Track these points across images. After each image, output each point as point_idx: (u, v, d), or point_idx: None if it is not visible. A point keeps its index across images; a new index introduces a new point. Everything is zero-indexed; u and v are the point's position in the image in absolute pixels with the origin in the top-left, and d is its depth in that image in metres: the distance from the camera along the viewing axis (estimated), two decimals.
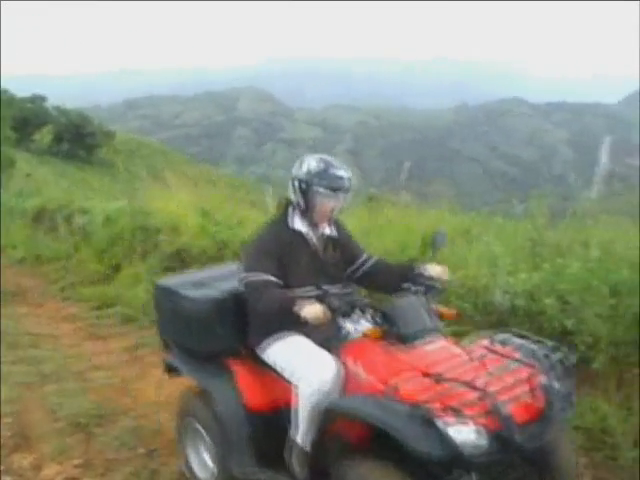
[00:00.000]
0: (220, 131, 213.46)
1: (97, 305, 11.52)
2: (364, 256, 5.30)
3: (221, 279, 5.56)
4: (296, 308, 4.35)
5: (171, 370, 5.73)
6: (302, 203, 4.89)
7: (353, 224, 9.48)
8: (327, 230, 5.13)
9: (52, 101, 73.46)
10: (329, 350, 4.56)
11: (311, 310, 4.31)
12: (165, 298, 5.58)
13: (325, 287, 4.89)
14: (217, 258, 10.29)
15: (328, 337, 4.65)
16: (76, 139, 67.14)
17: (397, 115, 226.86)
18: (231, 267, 5.90)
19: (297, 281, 4.81)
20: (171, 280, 5.81)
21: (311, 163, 4.86)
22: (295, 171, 4.90)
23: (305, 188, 4.83)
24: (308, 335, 4.71)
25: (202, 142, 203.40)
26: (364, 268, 5.24)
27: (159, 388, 7.31)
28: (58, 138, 69.15)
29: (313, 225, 5.01)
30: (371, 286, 5.42)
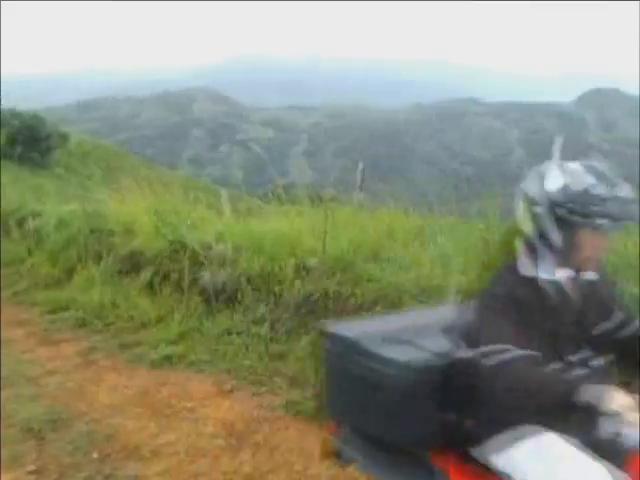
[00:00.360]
0: (176, 132, 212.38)
1: (51, 309, 11.39)
2: (624, 312, 3.45)
3: (421, 332, 3.73)
4: (587, 397, 2.73)
5: (338, 456, 3.94)
6: (556, 239, 3.19)
7: (307, 225, 9.51)
8: (588, 274, 3.30)
9: (3, 103, 72.58)
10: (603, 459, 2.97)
11: (623, 401, 2.71)
12: (346, 357, 3.70)
13: (569, 357, 3.23)
14: (172, 260, 10.24)
15: (595, 439, 3.01)
16: (30, 142, 66.33)
17: (353, 115, 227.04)
18: (425, 313, 4.60)
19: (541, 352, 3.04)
20: (351, 329, 3.87)
21: (571, 176, 3.22)
22: (535, 187, 3.31)
23: (562, 216, 3.14)
24: (565, 434, 3.09)
25: (158, 143, 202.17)
26: (630, 330, 3.38)
27: (113, 392, 7.26)
28: (11, 141, 68.34)
29: (570, 270, 3.26)
30: (630, 359, 3.35)
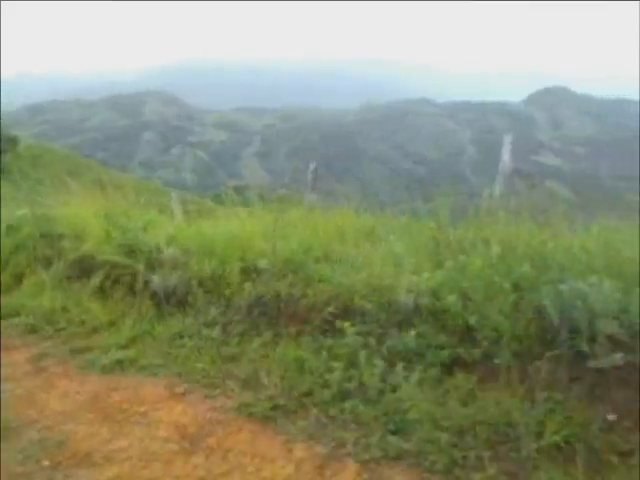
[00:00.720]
0: (127, 135, 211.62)
1: None
2: None
3: None
4: None
5: None
6: None
7: (258, 227, 9.51)
8: None
9: None
10: None
11: None
12: None
13: None
14: (123, 264, 10.17)
15: None
16: None
17: (305, 116, 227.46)
18: None
19: None
20: None
21: None
22: None
23: None
24: None
25: (109, 147, 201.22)
26: None
27: (64, 399, 7.19)
28: None
29: None
30: None
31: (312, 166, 12.02)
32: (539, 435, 5.31)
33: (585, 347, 5.73)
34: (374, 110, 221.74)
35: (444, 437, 5.43)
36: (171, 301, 9.04)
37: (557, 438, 5.24)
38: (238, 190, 15.05)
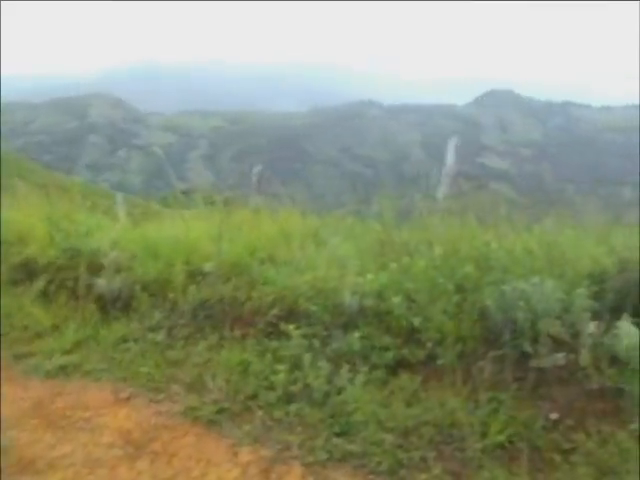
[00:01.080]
0: (73, 138, 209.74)
1: None
2: None
3: None
4: None
5: None
6: None
7: (204, 230, 9.47)
8: None
9: None
10: None
11: None
12: None
13: None
14: (67, 268, 10.08)
15: None
16: None
17: (252, 119, 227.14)
18: None
19: None
20: None
21: None
22: None
23: None
24: None
25: (55, 150, 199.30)
26: None
27: (8, 405, 7.09)
28: None
29: None
30: None
31: (256, 169, 11.99)
32: (483, 435, 5.35)
33: (528, 347, 5.79)
34: (322, 113, 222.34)
35: (389, 438, 5.44)
36: (116, 305, 8.97)
37: (501, 438, 5.28)
38: (185, 193, 14.97)
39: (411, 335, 6.39)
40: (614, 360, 5.65)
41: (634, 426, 5.15)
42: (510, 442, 5.27)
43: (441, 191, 9.47)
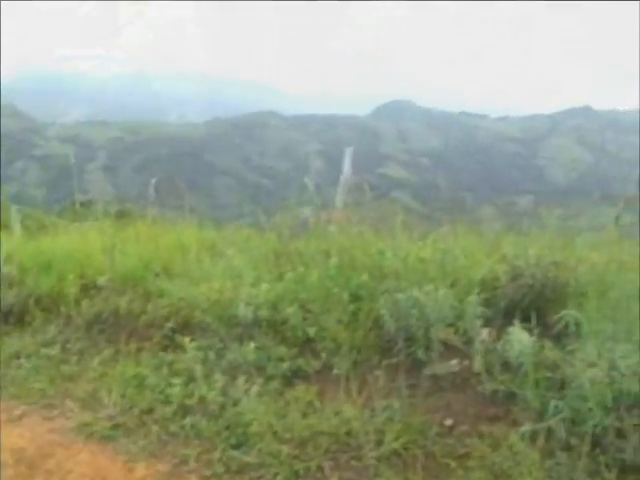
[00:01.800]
0: None
1: None
2: None
3: None
4: None
5: None
6: None
7: (98, 241, 9.35)
8: None
9: None
10: None
11: None
12: None
13: None
14: None
15: None
16: None
17: (152, 130, 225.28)
18: None
19: None
20: None
21: None
22: None
23: None
24: None
25: None
26: None
27: None
28: None
29: None
30: None
31: (153, 180, 11.91)
32: (379, 443, 5.38)
33: (422, 355, 5.85)
34: (222, 124, 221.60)
35: (285, 449, 5.43)
36: (8, 320, 8.79)
37: (396, 445, 5.31)
38: (83, 205, 14.73)
39: (306, 345, 6.41)
40: (506, 365, 5.75)
41: (525, 429, 5.24)
42: (405, 449, 5.30)
43: (339, 200, 9.53)
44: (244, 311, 6.84)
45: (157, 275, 8.29)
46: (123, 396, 6.62)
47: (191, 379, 6.50)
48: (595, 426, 5.07)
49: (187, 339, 6.76)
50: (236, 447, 5.61)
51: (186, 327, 7.24)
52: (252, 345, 6.53)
